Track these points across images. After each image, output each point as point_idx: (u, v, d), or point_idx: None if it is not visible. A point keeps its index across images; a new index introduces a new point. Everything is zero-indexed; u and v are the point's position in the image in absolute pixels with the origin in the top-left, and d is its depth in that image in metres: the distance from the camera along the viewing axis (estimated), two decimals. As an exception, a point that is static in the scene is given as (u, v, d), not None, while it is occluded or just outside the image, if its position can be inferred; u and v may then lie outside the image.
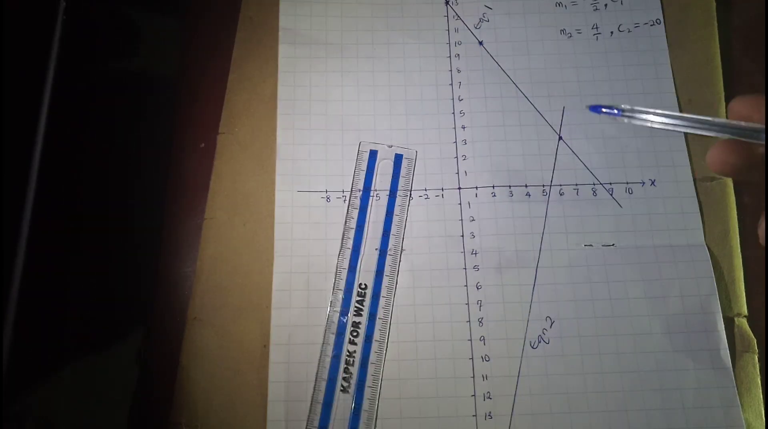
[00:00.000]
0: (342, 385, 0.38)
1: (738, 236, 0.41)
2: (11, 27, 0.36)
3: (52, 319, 0.38)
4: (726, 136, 0.33)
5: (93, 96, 0.42)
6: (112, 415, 0.39)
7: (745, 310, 0.40)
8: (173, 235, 0.43)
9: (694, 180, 0.42)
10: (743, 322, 0.39)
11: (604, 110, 0.39)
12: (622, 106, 0.39)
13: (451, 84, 0.44)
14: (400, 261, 0.40)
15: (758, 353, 0.39)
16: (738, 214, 0.42)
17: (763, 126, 0.31)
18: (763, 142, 0.31)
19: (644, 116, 0.38)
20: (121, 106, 0.44)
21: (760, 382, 0.38)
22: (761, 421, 0.37)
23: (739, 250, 0.41)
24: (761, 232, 0.33)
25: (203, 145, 0.44)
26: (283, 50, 0.45)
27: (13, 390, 0.34)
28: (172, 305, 0.41)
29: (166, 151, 0.44)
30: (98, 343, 0.39)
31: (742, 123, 0.32)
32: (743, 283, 0.40)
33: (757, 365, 0.39)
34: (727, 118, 0.32)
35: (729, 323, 0.39)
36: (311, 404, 0.38)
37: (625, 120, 0.39)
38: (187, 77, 0.46)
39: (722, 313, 0.39)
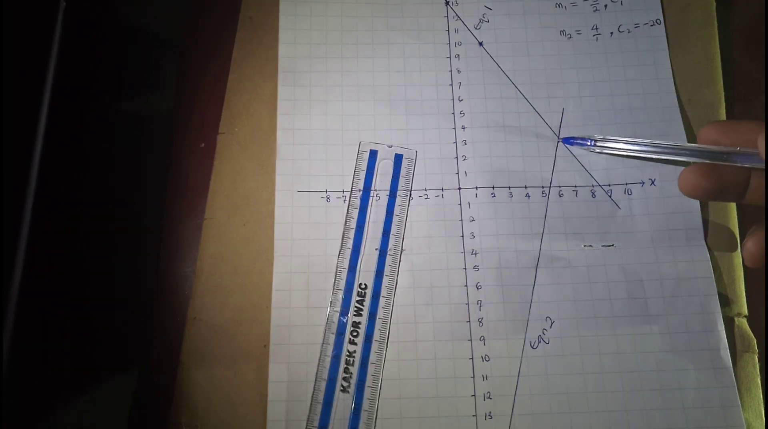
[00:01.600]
0: (342, 385, 0.38)
1: (738, 236, 0.41)
2: (11, 27, 0.36)
3: (52, 319, 0.37)
4: (697, 160, 0.35)
5: (93, 96, 0.42)
6: (112, 415, 0.39)
7: (745, 310, 0.40)
8: (173, 235, 0.43)
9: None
10: (743, 322, 0.39)
11: (577, 142, 0.40)
12: (595, 136, 0.41)
13: (451, 84, 0.44)
14: (400, 261, 0.40)
15: (758, 353, 0.39)
16: (738, 214, 0.42)
17: (732, 149, 0.34)
18: (731, 164, 0.34)
19: (614, 145, 0.40)
20: (121, 106, 0.44)
21: (760, 382, 0.38)
22: (761, 421, 0.38)
23: (740, 250, 0.41)
24: (747, 253, 0.34)
25: (203, 145, 0.44)
26: (283, 50, 0.45)
27: (12, 390, 0.33)
28: (172, 305, 0.41)
29: (166, 151, 0.44)
30: (98, 342, 0.39)
31: (713, 147, 0.34)
32: (743, 283, 0.40)
33: (757, 365, 0.39)
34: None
35: (729, 323, 0.39)
36: (311, 404, 0.38)
37: (597, 150, 0.41)
38: (187, 77, 0.46)
39: (722, 313, 0.39)
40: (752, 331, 0.39)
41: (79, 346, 0.39)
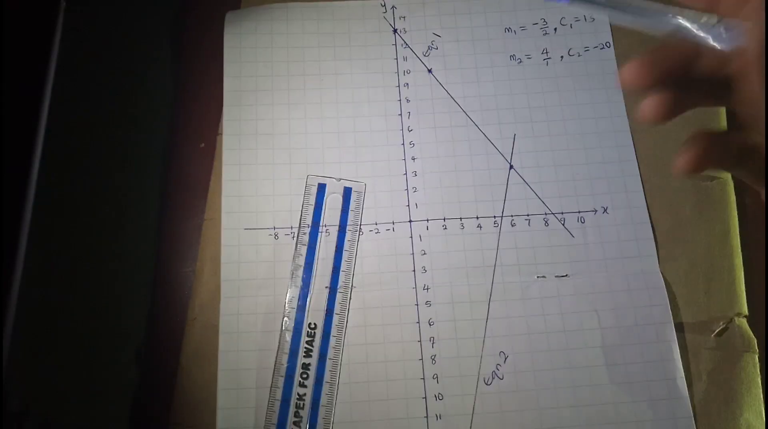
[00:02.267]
0: (292, 429, 0.37)
1: (738, 236, 0.41)
2: (11, 27, 0.36)
3: (52, 319, 0.38)
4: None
5: (93, 96, 0.42)
6: (112, 415, 0.39)
7: (745, 310, 0.39)
8: (173, 235, 0.43)
9: (647, 205, 0.41)
10: (743, 322, 0.39)
11: None
12: None
13: (401, 114, 0.43)
14: (350, 298, 0.40)
15: (758, 353, 0.38)
16: (738, 214, 0.41)
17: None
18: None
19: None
20: (121, 106, 0.44)
21: (760, 382, 0.38)
22: (761, 421, 0.37)
23: (740, 250, 0.40)
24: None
25: (203, 145, 0.44)
26: (228, 83, 0.44)
27: (13, 390, 0.33)
28: (172, 305, 0.41)
29: (166, 151, 0.45)
30: (98, 343, 0.39)
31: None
32: (743, 283, 0.40)
33: (758, 365, 0.38)
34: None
35: (729, 323, 0.39)
36: (262, 450, 0.37)
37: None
38: (187, 77, 0.46)
39: (723, 312, 0.39)
40: (752, 331, 0.39)
41: (79, 346, 0.39)
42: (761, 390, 0.38)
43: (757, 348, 0.38)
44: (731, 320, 0.39)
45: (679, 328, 0.39)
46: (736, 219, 0.41)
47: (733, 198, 0.41)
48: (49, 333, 0.37)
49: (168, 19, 0.47)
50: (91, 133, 0.41)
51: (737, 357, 0.38)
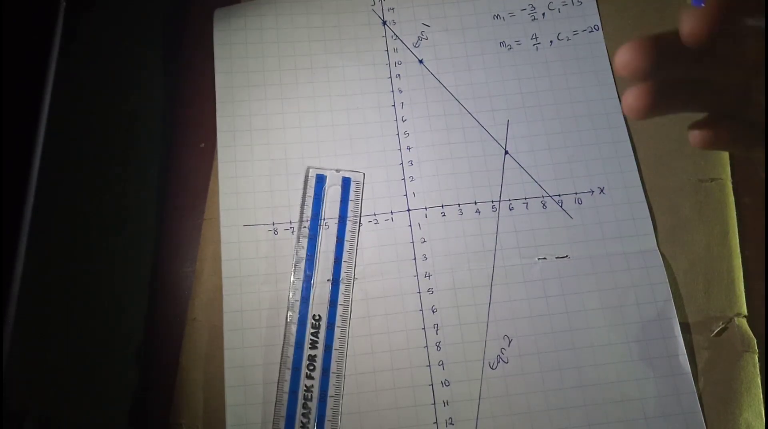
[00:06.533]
0: (301, 422, 0.38)
1: (737, 236, 0.41)
2: (11, 27, 0.36)
3: (52, 318, 0.37)
4: None
5: (93, 96, 0.42)
6: (112, 415, 0.39)
7: (744, 310, 0.39)
8: (173, 235, 0.43)
9: (643, 184, 0.42)
10: (743, 322, 0.39)
11: None
12: None
13: (394, 105, 0.43)
14: (353, 289, 0.40)
15: (758, 353, 0.38)
16: (738, 214, 0.41)
17: None
18: None
19: None
20: (121, 106, 0.44)
21: (760, 382, 0.38)
22: (761, 421, 0.37)
23: (739, 250, 0.41)
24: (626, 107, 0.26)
25: (203, 145, 0.44)
26: (220, 80, 0.44)
27: (13, 390, 0.33)
28: (172, 305, 0.41)
29: (166, 151, 0.45)
30: (98, 343, 0.39)
31: None
32: (743, 283, 0.40)
33: (757, 365, 0.38)
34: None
35: (729, 323, 0.39)
36: (272, 445, 0.37)
37: None
38: (187, 77, 0.46)
39: (723, 312, 0.39)
40: (752, 331, 0.39)
41: (79, 347, 0.38)
42: (761, 390, 0.38)
43: (756, 348, 0.39)
44: (731, 320, 0.39)
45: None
46: (735, 219, 0.41)
47: (732, 198, 0.42)
48: (49, 333, 0.37)
49: (168, 18, 0.48)
50: (90, 133, 0.41)
51: (737, 357, 0.39)
